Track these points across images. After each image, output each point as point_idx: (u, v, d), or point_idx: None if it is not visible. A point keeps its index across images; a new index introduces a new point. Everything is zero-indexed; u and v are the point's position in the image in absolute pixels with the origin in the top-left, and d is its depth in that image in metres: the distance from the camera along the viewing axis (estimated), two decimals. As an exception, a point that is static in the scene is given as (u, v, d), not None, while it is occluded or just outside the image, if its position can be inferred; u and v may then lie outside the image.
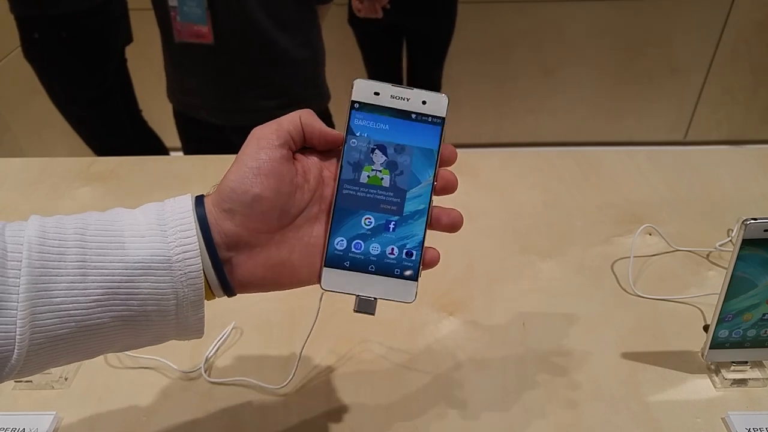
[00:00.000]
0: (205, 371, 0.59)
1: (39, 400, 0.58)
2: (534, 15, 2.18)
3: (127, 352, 0.60)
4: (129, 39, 1.55)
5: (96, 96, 1.49)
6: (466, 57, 1.92)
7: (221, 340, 0.62)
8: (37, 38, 1.35)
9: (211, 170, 0.90)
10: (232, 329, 0.63)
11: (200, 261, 0.36)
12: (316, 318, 0.53)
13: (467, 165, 0.90)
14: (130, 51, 1.57)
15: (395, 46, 1.88)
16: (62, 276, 0.34)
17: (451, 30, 1.81)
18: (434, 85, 1.94)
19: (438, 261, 0.41)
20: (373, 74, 1.96)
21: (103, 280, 0.34)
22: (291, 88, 1.24)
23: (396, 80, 1.96)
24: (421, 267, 0.40)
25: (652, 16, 2.16)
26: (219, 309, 0.56)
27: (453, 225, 0.41)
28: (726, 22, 2.16)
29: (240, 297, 0.40)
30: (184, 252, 0.35)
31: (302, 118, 0.39)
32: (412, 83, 2.00)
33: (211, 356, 0.61)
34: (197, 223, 0.36)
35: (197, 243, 0.36)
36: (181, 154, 1.50)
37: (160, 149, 1.75)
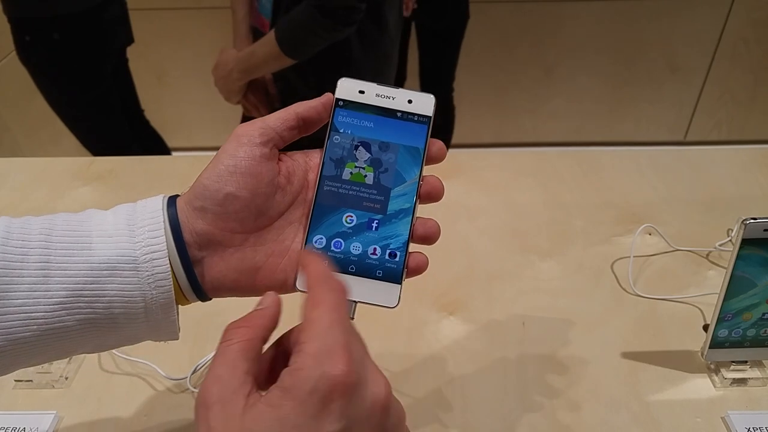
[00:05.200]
0: (193, 383, 0.58)
1: (39, 399, 0.58)
2: (534, 15, 2.18)
3: (124, 356, 0.60)
4: (130, 40, 1.55)
5: (92, 98, 1.48)
6: (466, 57, 1.92)
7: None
8: (28, 41, 1.34)
9: (211, 170, 0.90)
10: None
11: (168, 262, 0.34)
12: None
13: (467, 165, 0.90)
14: (130, 51, 1.57)
15: (405, 43, 1.88)
16: (24, 277, 0.33)
17: (464, 25, 1.81)
18: (447, 83, 1.94)
19: (426, 267, 0.38)
20: None
21: (67, 282, 0.33)
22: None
23: (402, 71, 1.97)
24: (405, 270, 0.37)
25: (652, 16, 2.16)
26: (224, 321, 0.56)
27: (428, 236, 0.38)
28: (726, 22, 2.16)
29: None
30: (151, 252, 0.34)
31: (299, 113, 0.38)
32: (425, 80, 2.00)
33: (201, 370, 0.60)
34: (168, 223, 0.35)
35: (165, 243, 0.34)
36: (182, 153, 1.50)
37: (162, 150, 1.75)
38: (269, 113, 0.37)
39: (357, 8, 0.98)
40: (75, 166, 0.92)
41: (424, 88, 1.95)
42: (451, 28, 1.81)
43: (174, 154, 1.84)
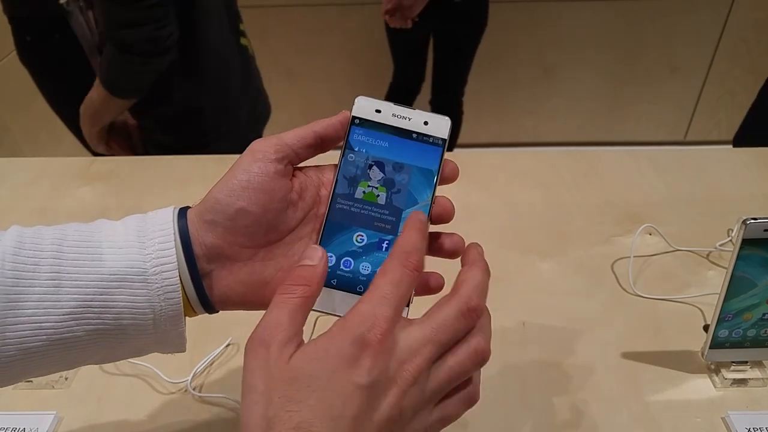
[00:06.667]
0: (193, 386, 0.58)
1: (39, 400, 0.58)
2: (534, 15, 2.18)
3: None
4: None
5: None
6: (466, 57, 1.93)
7: (216, 355, 0.61)
8: (29, 41, 1.34)
9: (210, 170, 0.90)
10: (227, 345, 0.62)
11: (178, 274, 0.35)
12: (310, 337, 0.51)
13: (467, 165, 0.90)
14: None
15: (425, 46, 1.89)
16: (35, 287, 0.33)
17: (481, 34, 1.81)
18: (458, 88, 1.94)
19: (443, 287, 0.39)
20: (400, 71, 1.96)
21: (77, 292, 0.33)
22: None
23: (420, 78, 1.96)
24: (413, 292, 0.36)
25: (653, 16, 2.16)
26: (224, 322, 0.56)
27: (455, 251, 0.38)
28: (726, 22, 2.16)
29: (247, 312, 0.38)
30: (161, 264, 0.34)
31: (317, 131, 0.38)
32: (437, 85, 2.00)
33: (200, 371, 0.60)
34: (178, 235, 0.35)
35: (175, 256, 0.35)
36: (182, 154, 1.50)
37: None
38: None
39: (157, 38, 0.91)
40: (75, 166, 0.92)
41: (436, 91, 1.96)
42: (468, 34, 1.81)
43: (174, 154, 1.84)
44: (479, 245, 0.37)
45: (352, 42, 2.26)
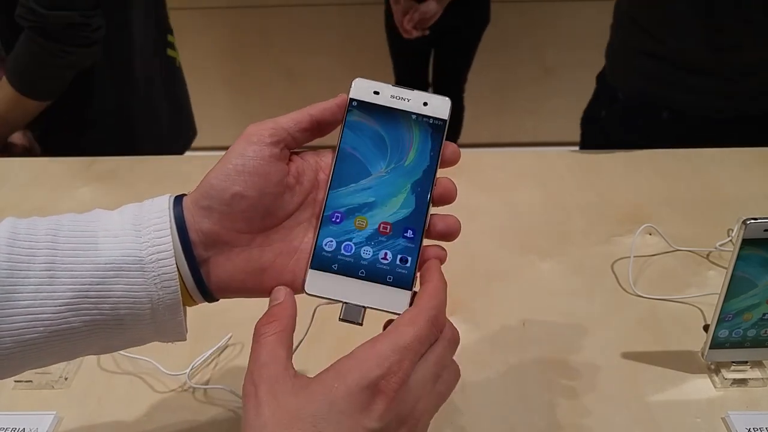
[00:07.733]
0: (192, 379, 0.58)
1: (39, 400, 0.58)
2: (534, 15, 2.18)
3: (124, 353, 0.60)
4: None
5: None
6: (466, 57, 1.94)
7: (216, 350, 0.62)
8: None
9: (211, 170, 0.90)
10: (228, 339, 0.62)
11: (174, 262, 0.34)
12: (307, 332, 0.52)
13: (467, 165, 0.90)
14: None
15: (426, 50, 1.89)
16: (30, 278, 0.33)
17: (482, 32, 1.82)
18: (458, 85, 1.94)
19: (444, 260, 0.38)
20: (401, 75, 1.97)
21: (73, 283, 0.33)
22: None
23: (424, 80, 1.96)
24: (416, 275, 0.36)
25: (652, 16, 2.16)
26: (224, 317, 0.56)
27: (449, 233, 0.38)
28: (726, 22, 2.16)
29: (250, 307, 0.38)
30: (157, 252, 0.34)
31: (313, 114, 0.37)
32: (438, 80, 1.99)
33: (200, 365, 0.60)
34: (174, 222, 0.35)
35: (171, 243, 0.34)
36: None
37: None
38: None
39: (83, 25, 0.81)
40: (75, 166, 0.92)
41: (437, 88, 1.96)
42: (469, 32, 1.82)
43: (174, 154, 1.84)
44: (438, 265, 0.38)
45: (352, 42, 2.26)
